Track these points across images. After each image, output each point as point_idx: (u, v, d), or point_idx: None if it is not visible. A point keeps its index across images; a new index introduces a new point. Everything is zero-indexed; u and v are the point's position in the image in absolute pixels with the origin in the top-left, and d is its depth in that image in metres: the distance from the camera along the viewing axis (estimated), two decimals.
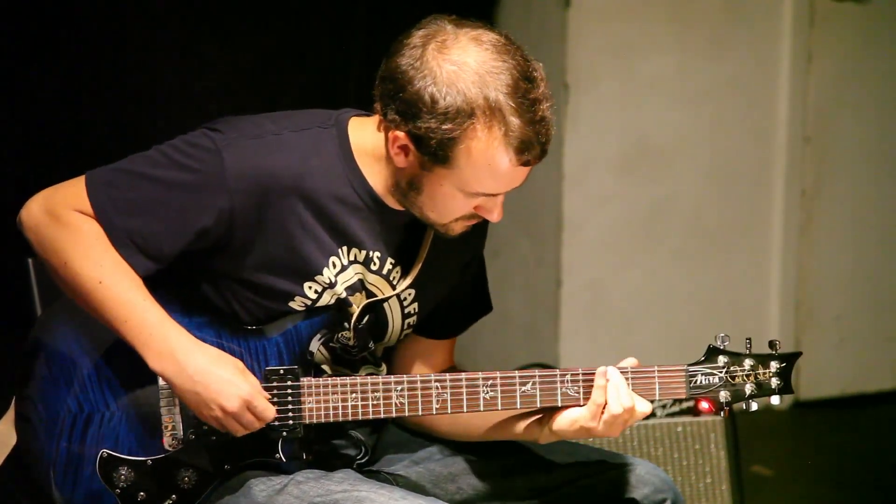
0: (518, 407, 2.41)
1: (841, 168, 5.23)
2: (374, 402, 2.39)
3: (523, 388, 2.41)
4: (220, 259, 2.38)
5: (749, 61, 5.01)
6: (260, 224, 2.36)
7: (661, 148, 4.94)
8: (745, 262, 5.16)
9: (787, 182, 5.13)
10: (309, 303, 2.41)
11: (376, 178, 2.40)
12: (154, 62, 4.21)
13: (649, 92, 4.89)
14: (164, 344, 2.30)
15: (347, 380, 2.40)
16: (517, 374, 2.41)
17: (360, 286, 2.44)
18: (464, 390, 2.40)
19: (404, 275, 2.47)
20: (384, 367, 2.55)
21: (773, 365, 2.44)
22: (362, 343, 2.48)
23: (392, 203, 2.41)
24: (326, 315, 2.42)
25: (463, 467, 2.57)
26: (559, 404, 2.41)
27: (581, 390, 2.40)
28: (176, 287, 2.41)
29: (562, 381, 2.40)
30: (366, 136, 2.40)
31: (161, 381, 2.36)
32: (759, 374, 2.44)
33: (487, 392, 2.41)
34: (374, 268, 2.44)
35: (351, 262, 2.42)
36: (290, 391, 2.38)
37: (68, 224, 2.32)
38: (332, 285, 2.41)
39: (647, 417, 3.32)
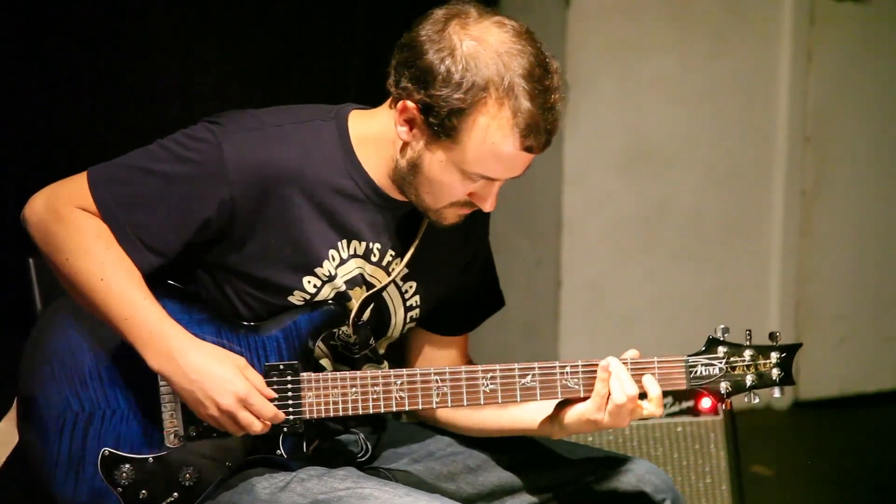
0: (518, 400, 2.41)
1: (841, 168, 5.23)
2: (374, 397, 2.39)
3: (523, 381, 2.41)
4: (221, 251, 2.39)
5: (749, 61, 5.01)
6: (260, 215, 2.36)
7: (660, 147, 4.94)
8: (745, 262, 5.16)
9: (787, 181, 5.14)
10: (308, 297, 2.41)
11: (376, 168, 2.40)
12: (154, 61, 4.21)
13: (649, 91, 4.90)
14: (163, 342, 2.30)
15: (347, 374, 2.40)
16: (516, 366, 2.41)
17: (360, 280, 2.44)
18: (463, 384, 2.40)
19: (401, 264, 2.48)
20: (386, 365, 2.54)
21: (774, 356, 2.43)
22: (363, 339, 2.48)
23: (392, 193, 2.42)
24: (326, 310, 2.42)
25: (462, 466, 2.57)
26: (559, 397, 2.41)
27: (581, 382, 2.40)
28: (176, 284, 2.41)
29: (561, 374, 2.40)
30: (368, 124, 2.40)
31: (161, 379, 2.36)
32: (759, 364, 2.43)
33: (487, 385, 2.40)
34: (374, 259, 2.44)
35: (351, 256, 2.42)
36: (289, 386, 2.38)
37: (70, 221, 2.33)
38: (331, 278, 2.41)
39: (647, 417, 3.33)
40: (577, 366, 2.40)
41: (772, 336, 2.45)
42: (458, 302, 2.58)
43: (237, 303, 2.41)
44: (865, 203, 5.28)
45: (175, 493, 2.38)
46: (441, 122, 2.29)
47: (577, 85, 4.71)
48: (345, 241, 2.42)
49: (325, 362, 2.47)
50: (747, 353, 2.43)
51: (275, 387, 2.38)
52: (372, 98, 2.45)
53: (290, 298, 2.41)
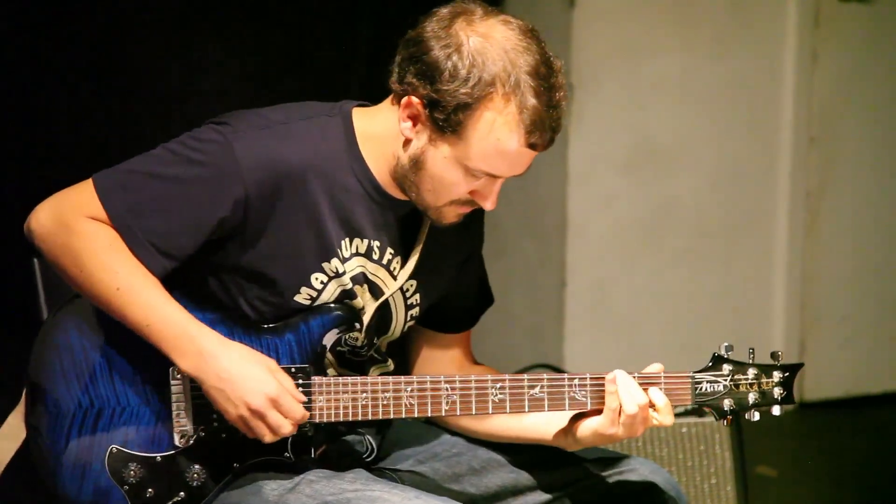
0: (526, 410, 2.41)
1: (846, 168, 5.23)
2: (384, 403, 2.39)
3: (532, 392, 2.41)
4: (230, 250, 2.38)
5: (754, 61, 5.01)
6: (272, 212, 2.36)
7: (665, 148, 4.94)
8: (750, 263, 5.16)
9: (792, 182, 5.13)
10: (315, 294, 2.41)
11: (379, 165, 2.40)
12: (158, 63, 4.22)
13: (654, 92, 4.90)
14: (191, 344, 2.30)
15: (358, 379, 2.40)
16: (525, 377, 2.41)
17: (362, 279, 2.44)
18: (473, 392, 2.40)
19: (403, 265, 2.47)
20: (391, 362, 2.55)
21: (776, 375, 2.46)
22: (370, 340, 2.48)
23: (393, 192, 2.42)
24: (338, 315, 2.42)
25: (467, 467, 2.58)
26: (567, 409, 2.41)
27: (588, 395, 2.41)
28: (186, 287, 2.40)
29: (570, 386, 2.41)
30: (371, 121, 2.40)
31: (172, 378, 2.36)
32: (762, 383, 2.46)
33: (496, 395, 2.41)
34: (374, 257, 2.44)
35: (353, 254, 2.42)
36: (300, 390, 2.38)
37: (80, 232, 2.31)
38: (338, 275, 2.41)
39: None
40: (586, 378, 2.41)
41: (773, 355, 2.47)
42: (456, 299, 2.58)
43: (244, 305, 2.41)
44: (870, 204, 5.27)
45: (182, 493, 2.38)
46: (447, 117, 2.29)
47: (582, 86, 4.71)
48: (348, 240, 2.42)
49: (329, 370, 2.46)
50: (751, 372, 2.45)
51: None
52: (374, 98, 2.45)
53: (297, 297, 2.40)
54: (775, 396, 2.45)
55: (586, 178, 4.85)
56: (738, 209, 5.09)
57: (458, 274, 2.57)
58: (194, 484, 2.38)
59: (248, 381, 2.30)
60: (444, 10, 2.33)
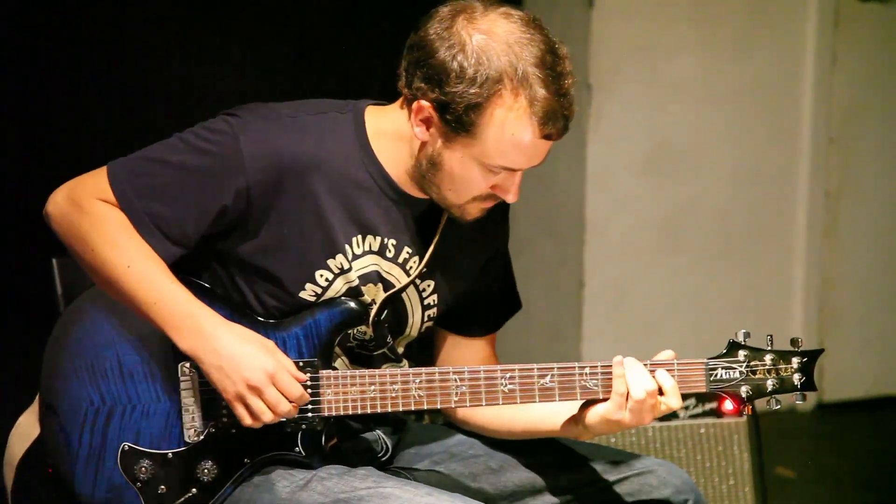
0: (537, 401, 2.40)
1: (865, 169, 5.21)
2: (393, 395, 2.39)
3: (542, 382, 2.40)
4: (236, 241, 2.40)
5: (773, 62, 5.00)
6: (277, 205, 2.37)
7: (684, 149, 4.94)
8: (769, 264, 5.15)
9: (812, 183, 5.12)
10: (319, 291, 2.41)
11: (393, 163, 2.41)
12: (178, 60, 4.23)
13: (673, 93, 4.89)
14: (193, 322, 2.31)
15: (367, 372, 2.40)
16: (535, 367, 2.40)
17: (375, 277, 2.44)
18: (482, 384, 2.39)
19: (420, 263, 2.47)
20: (406, 363, 2.54)
21: (795, 361, 2.41)
22: (380, 336, 2.48)
23: (409, 189, 2.42)
24: (346, 309, 2.42)
25: (484, 467, 2.57)
26: (578, 398, 2.40)
27: (600, 383, 2.39)
28: (196, 282, 2.42)
29: (580, 375, 2.40)
30: (384, 120, 2.41)
31: (181, 375, 2.37)
32: (780, 369, 2.41)
33: (506, 385, 2.40)
34: (389, 255, 2.44)
35: (366, 252, 2.43)
36: (308, 383, 2.38)
37: (92, 213, 2.34)
38: (345, 271, 2.42)
39: (670, 418, 3.32)
40: (597, 367, 2.39)
41: (793, 342, 2.43)
42: (479, 301, 2.58)
43: (251, 299, 2.42)
44: (890, 204, 5.26)
45: (193, 489, 2.39)
46: (458, 119, 2.29)
47: (601, 86, 4.71)
48: (360, 236, 2.42)
49: (339, 363, 2.47)
50: (768, 358, 2.41)
51: None
52: (393, 100, 2.45)
53: (302, 294, 2.41)
54: (794, 383, 2.40)
55: (605, 179, 4.84)
56: (757, 210, 5.08)
57: (480, 275, 2.56)
58: (206, 480, 2.39)
59: (247, 357, 2.31)
60: (444, 10, 2.33)
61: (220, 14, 4.28)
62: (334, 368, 2.43)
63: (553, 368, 2.40)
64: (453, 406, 2.41)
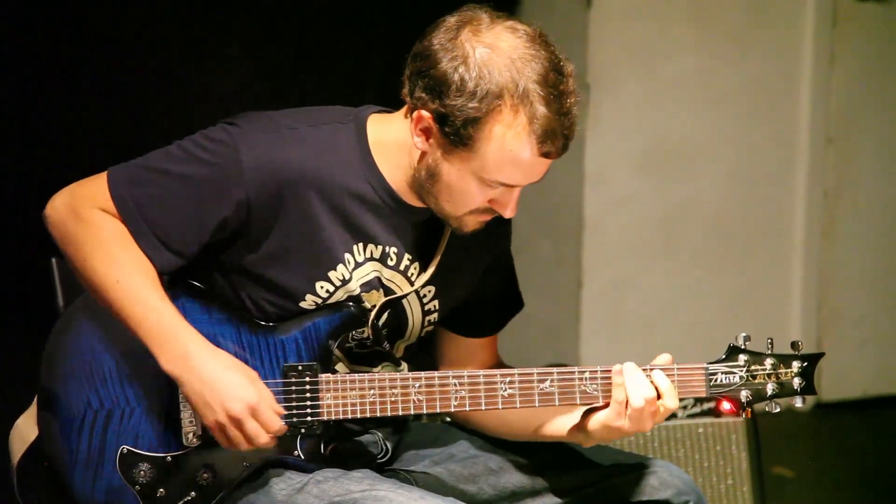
0: (537, 405, 2.40)
1: (863, 169, 5.22)
2: (392, 399, 2.39)
3: (541, 386, 2.40)
4: (237, 252, 2.39)
5: (771, 62, 5.00)
6: (276, 217, 2.37)
7: (682, 148, 4.94)
8: (767, 264, 5.15)
9: (810, 183, 5.12)
10: (320, 301, 2.41)
11: (394, 173, 2.40)
12: (178, 63, 4.23)
13: (671, 92, 4.89)
14: (177, 343, 2.30)
15: (366, 376, 2.40)
16: (535, 371, 2.40)
17: (377, 283, 2.44)
18: (482, 388, 2.40)
19: (422, 271, 2.47)
20: (405, 367, 2.55)
21: (795, 365, 2.42)
22: (376, 336, 2.48)
23: (409, 199, 2.42)
24: (346, 313, 2.42)
25: (483, 468, 2.57)
26: (578, 402, 2.40)
27: (600, 388, 2.39)
28: (194, 287, 2.42)
29: (580, 379, 2.40)
30: (386, 129, 2.40)
31: None
32: (780, 373, 2.41)
33: (506, 390, 2.40)
34: (390, 263, 2.44)
35: (367, 259, 2.42)
36: (308, 387, 2.38)
37: (89, 222, 2.34)
38: (346, 282, 2.42)
39: (668, 418, 3.32)
40: (597, 372, 2.39)
41: (794, 345, 2.43)
42: (481, 303, 2.57)
43: (251, 307, 2.42)
44: (888, 204, 5.26)
45: (192, 493, 2.39)
46: (457, 132, 2.28)
47: (599, 86, 4.71)
48: (360, 245, 2.42)
49: (339, 367, 2.47)
50: (768, 362, 2.41)
51: (293, 387, 2.38)
52: (393, 100, 2.45)
53: (303, 304, 2.41)
54: (794, 387, 2.41)
55: (603, 179, 4.85)
56: (756, 210, 5.08)
57: (482, 277, 2.56)
58: (204, 484, 2.39)
59: (229, 387, 2.30)
60: (450, 20, 2.32)
61: (220, 14, 4.28)
62: (334, 372, 2.43)
63: (553, 373, 2.40)
64: (453, 410, 2.41)
